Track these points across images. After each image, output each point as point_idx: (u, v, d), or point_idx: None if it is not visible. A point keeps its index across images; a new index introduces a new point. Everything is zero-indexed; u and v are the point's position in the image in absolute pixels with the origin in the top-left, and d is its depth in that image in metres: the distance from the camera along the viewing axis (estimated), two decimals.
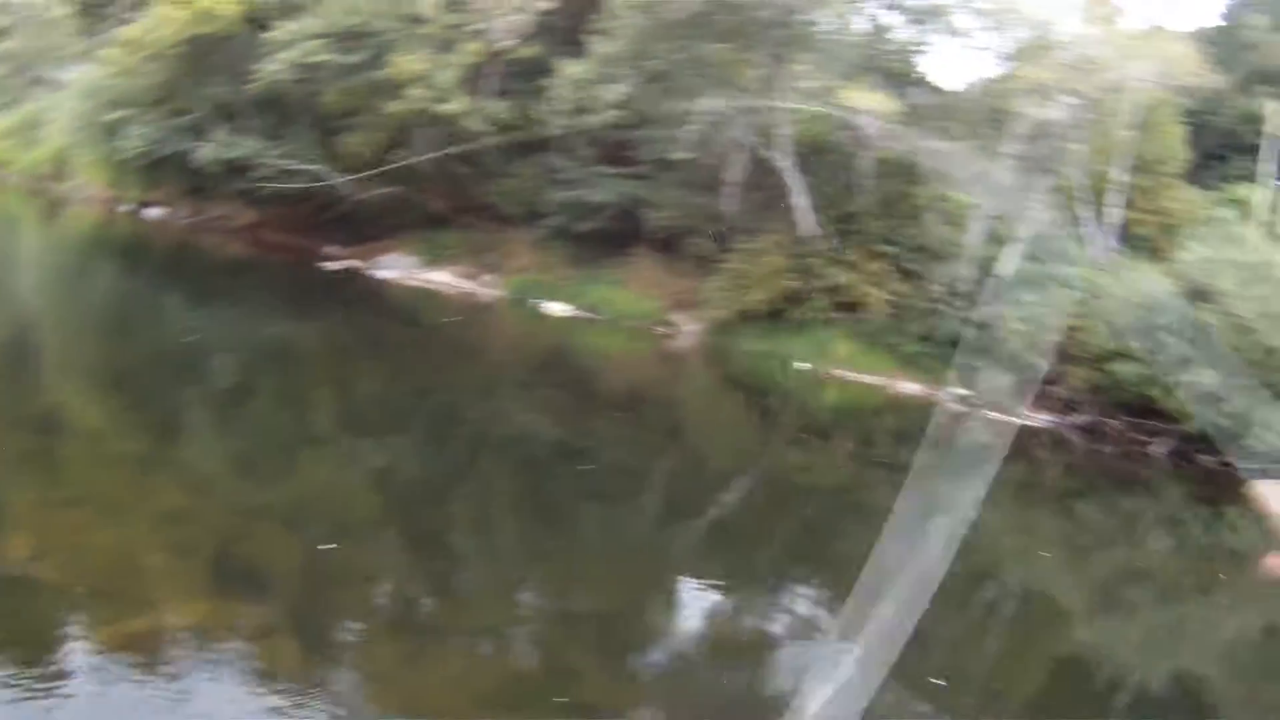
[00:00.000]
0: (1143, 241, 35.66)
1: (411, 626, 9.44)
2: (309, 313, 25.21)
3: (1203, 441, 23.36)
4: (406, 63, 29.01)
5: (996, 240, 29.57)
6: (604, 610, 10.62)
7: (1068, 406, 26.28)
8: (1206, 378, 22.51)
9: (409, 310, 27.71)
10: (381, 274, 30.21)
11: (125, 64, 31.81)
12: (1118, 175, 33.59)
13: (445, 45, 29.43)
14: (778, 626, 11.45)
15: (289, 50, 29.28)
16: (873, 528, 15.98)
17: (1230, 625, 14.70)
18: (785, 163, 28.51)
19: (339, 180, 30.64)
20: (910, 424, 24.74)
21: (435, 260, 30.90)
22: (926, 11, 30.42)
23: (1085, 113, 29.30)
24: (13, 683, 7.14)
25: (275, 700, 7.49)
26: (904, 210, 29.36)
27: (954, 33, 30.74)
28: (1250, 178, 43.10)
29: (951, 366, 26.99)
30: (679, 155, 27.45)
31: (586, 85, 27.85)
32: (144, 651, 7.72)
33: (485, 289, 30.19)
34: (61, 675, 7.30)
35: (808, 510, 16.33)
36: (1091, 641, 12.97)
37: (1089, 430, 25.54)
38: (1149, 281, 25.72)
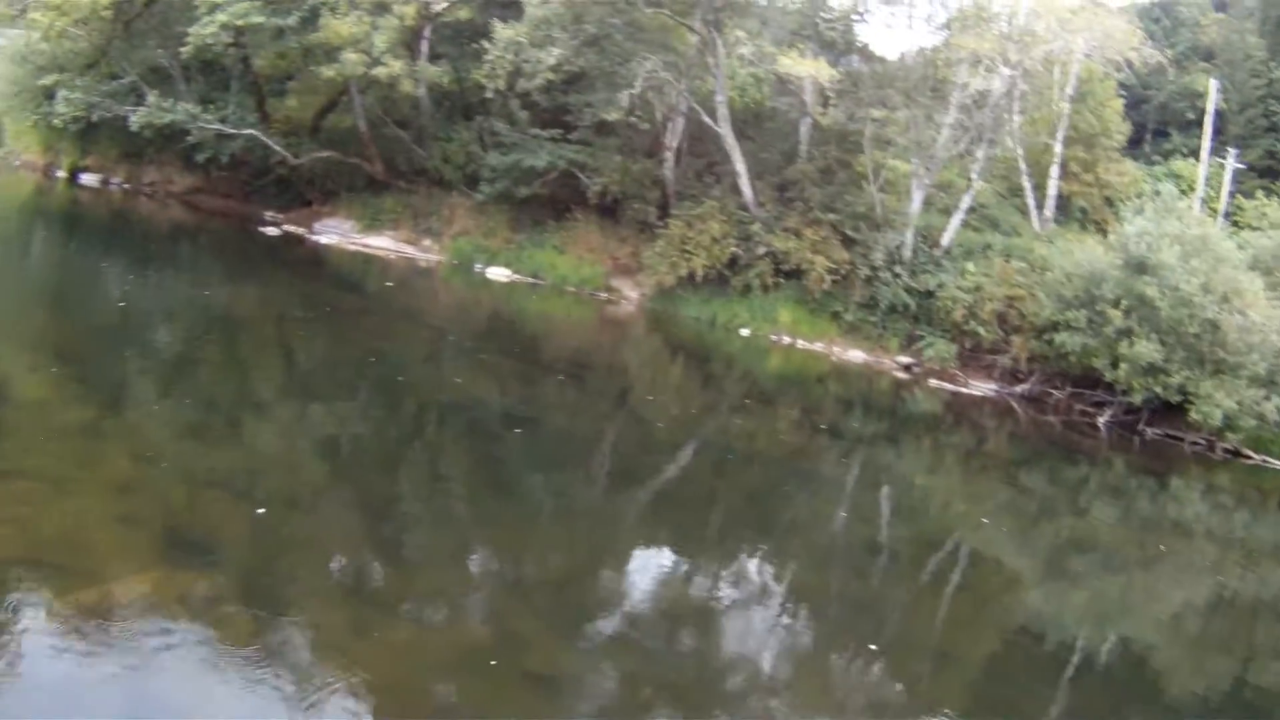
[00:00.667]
0: (1083, 214, 35.27)
1: (360, 594, 9.00)
2: (248, 277, 23.99)
3: (1148, 413, 23.13)
4: (340, 25, 27.46)
5: (938, 209, 28.82)
6: (550, 577, 10.32)
7: (1012, 376, 25.73)
8: (1148, 350, 22.07)
9: (349, 275, 26.37)
10: (321, 239, 28.79)
11: (55, 27, 30.12)
12: (1057, 147, 33.10)
13: (380, 8, 27.81)
14: (722, 593, 10.98)
15: (220, 12, 27.68)
16: (817, 494, 15.59)
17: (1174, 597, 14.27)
18: (724, 129, 27.34)
19: (275, 144, 29.21)
20: (854, 391, 24.13)
21: (374, 225, 29.45)
22: None
23: (1023, 84, 28.45)
24: None
25: (228, 670, 7.10)
26: (844, 178, 28.36)
27: (892, 1, 29.69)
28: (1190, 153, 43.05)
29: (894, 334, 26.37)
30: (616, 118, 26.13)
31: (523, 48, 26.49)
32: (94, 623, 7.27)
33: (425, 254, 28.92)
34: (9, 649, 6.88)
35: (752, 477, 15.62)
36: (1034, 608, 12.54)
37: (1034, 400, 25.01)
38: (1090, 253, 25.11)
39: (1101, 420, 23.48)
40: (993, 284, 25.80)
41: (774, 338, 26.29)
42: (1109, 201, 34.29)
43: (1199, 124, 41.92)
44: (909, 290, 26.25)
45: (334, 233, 29.06)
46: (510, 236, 28.86)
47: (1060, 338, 23.62)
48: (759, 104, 31.07)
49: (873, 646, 9.81)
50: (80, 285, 20.14)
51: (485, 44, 26.51)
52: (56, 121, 30.79)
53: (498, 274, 28.02)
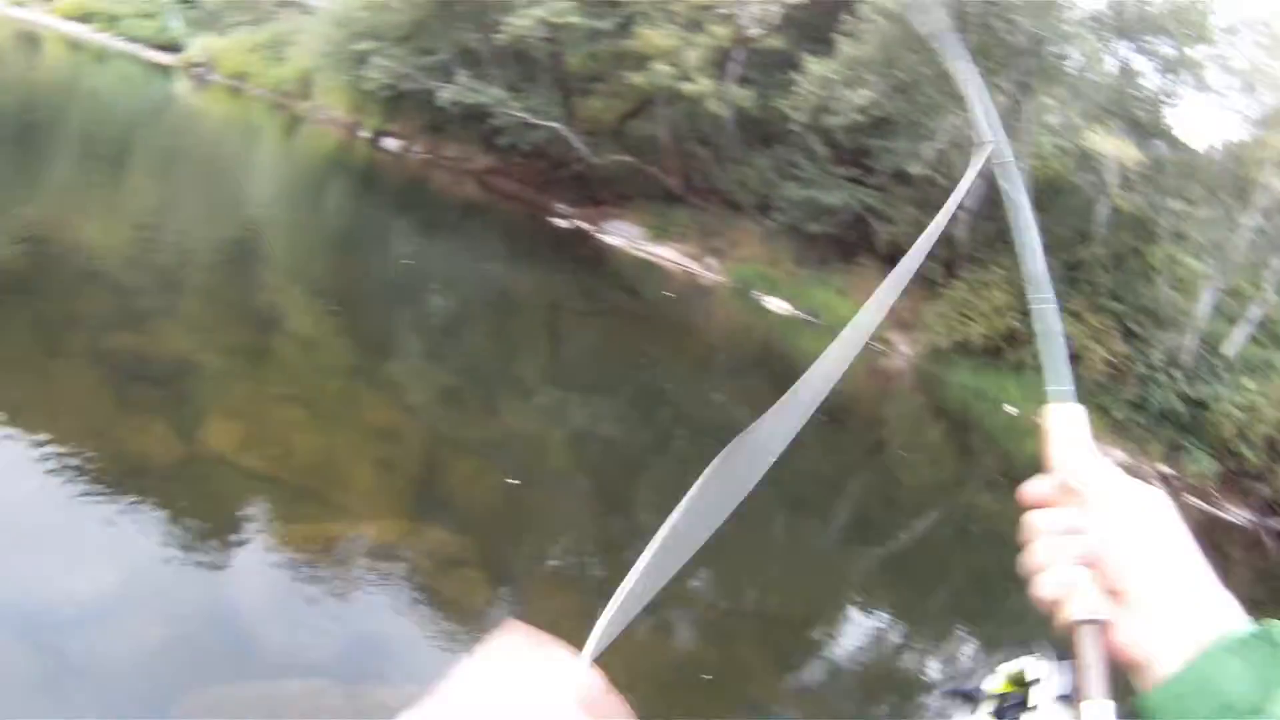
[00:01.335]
0: None
1: (595, 587, 8.84)
2: (533, 261, 24.39)
3: None
4: (654, 36, 27.69)
5: (1225, 315, 27.04)
6: (770, 612, 10.26)
7: (1269, 507, 23.78)
8: None
9: (630, 278, 26.47)
10: (608, 239, 29.01)
11: None
12: None
13: (693, 25, 27.94)
14: (927, 671, 10.51)
15: (538, 7, 28.14)
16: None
17: None
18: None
19: (577, 141, 29.54)
20: None
21: (661, 235, 29.40)
22: (1178, 61, 27.66)
23: None
24: (194, 548, 6.94)
25: (456, 638, 6.99)
26: (1134, 268, 26.91)
27: (1204, 88, 28.02)
28: None
29: (1160, 441, 24.86)
30: (917, 170, 25.51)
31: (833, 85, 26.09)
32: (329, 556, 7.46)
33: (707, 272, 28.73)
34: (241, 557, 7.10)
35: (984, 558, 15.00)
36: None
37: None
38: None
39: None
40: (1269, 405, 24.07)
41: (1038, 420, 24.99)
42: None
43: None
44: (1182, 397, 24.66)
45: (621, 235, 29.17)
46: (793, 270, 28.35)
47: None
48: (1059, 177, 29.81)
49: None
50: (370, 239, 20.90)
51: (795, 74, 26.24)
52: (367, 86, 32.07)
53: (776, 305, 27.54)
